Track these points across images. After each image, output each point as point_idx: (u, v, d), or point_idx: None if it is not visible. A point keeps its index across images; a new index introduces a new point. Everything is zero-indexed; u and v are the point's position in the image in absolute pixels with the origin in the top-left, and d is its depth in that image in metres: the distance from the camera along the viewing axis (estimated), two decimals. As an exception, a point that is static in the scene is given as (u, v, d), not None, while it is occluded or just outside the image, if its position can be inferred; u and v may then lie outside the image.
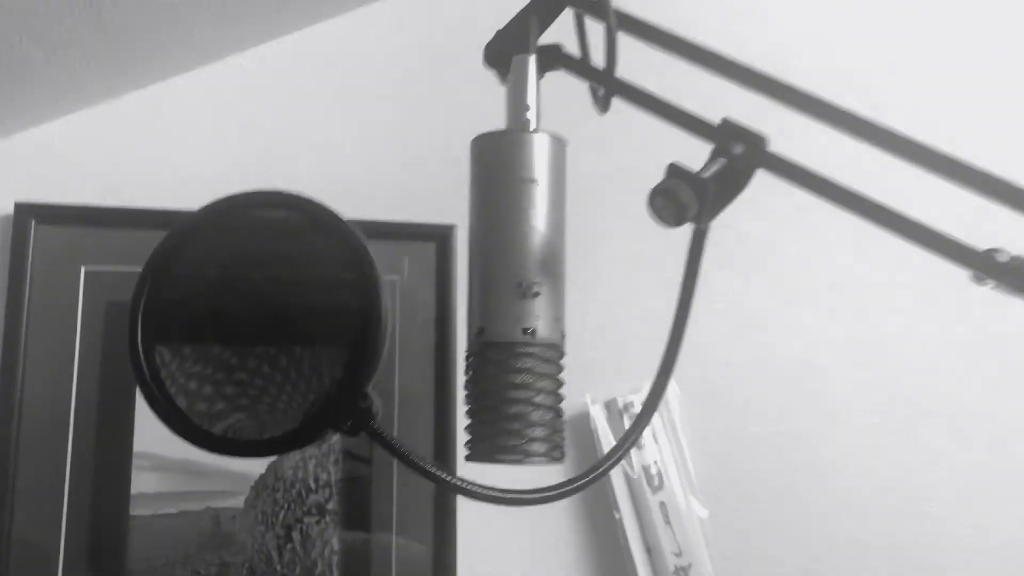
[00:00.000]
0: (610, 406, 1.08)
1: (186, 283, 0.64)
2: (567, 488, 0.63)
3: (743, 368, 1.17)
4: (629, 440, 0.67)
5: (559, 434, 0.64)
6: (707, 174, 0.59)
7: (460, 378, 1.10)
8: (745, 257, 1.19)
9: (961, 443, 1.23)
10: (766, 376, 1.19)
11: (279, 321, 0.61)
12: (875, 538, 1.19)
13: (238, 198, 0.64)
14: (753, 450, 1.16)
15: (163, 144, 1.05)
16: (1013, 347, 1.26)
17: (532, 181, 0.64)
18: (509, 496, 0.60)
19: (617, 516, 1.03)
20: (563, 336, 0.65)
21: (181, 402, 0.61)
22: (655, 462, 1.07)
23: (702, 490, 1.09)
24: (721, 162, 0.61)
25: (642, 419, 0.68)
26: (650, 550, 1.04)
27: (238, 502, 0.93)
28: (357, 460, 1.02)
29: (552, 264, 0.65)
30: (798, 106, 0.63)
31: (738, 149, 0.61)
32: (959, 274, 0.53)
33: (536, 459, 0.62)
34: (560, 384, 0.65)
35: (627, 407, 1.07)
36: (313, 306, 0.61)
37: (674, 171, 0.58)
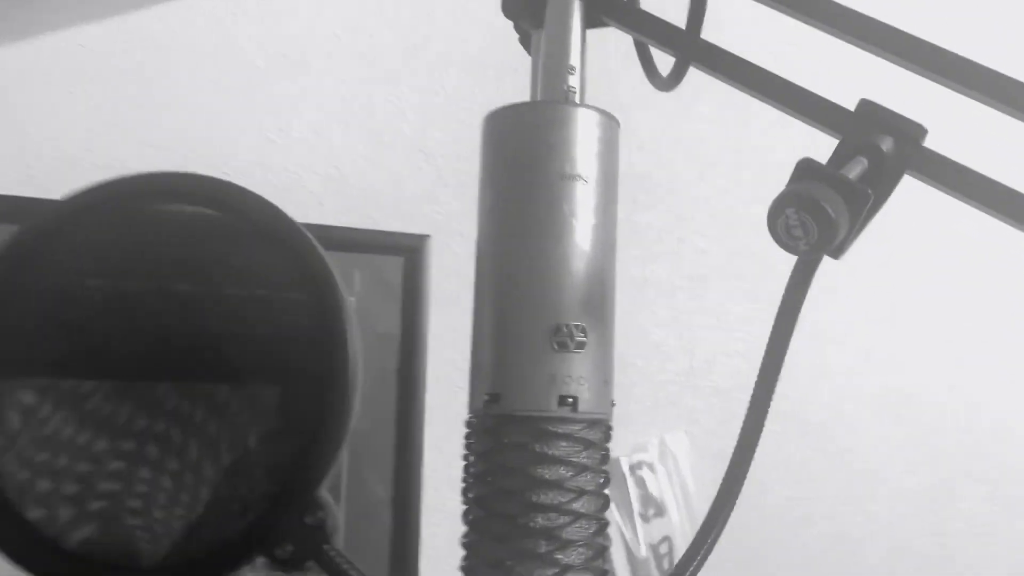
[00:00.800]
0: (612, 468, 0.88)
1: (45, 300, 0.41)
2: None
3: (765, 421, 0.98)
4: (715, 530, 0.48)
5: (603, 558, 0.43)
6: (854, 178, 0.39)
7: (433, 451, 0.90)
8: (769, 292, 1.00)
9: (1005, 509, 1.06)
10: (791, 431, 1.00)
11: (187, 377, 0.39)
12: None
13: (131, 183, 0.42)
14: (775, 520, 0.97)
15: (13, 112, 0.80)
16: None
17: (577, 179, 0.43)
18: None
19: (617, 609, 0.83)
20: (612, 408, 0.45)
21: (12, 492, 0.39)
22: (664, 539, 0.87)
23: (718, 573, 0.90)
24: (862, 163, 0.41)
25: (729, 493, 0.48)
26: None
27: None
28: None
29: (601, 302, 0.44)
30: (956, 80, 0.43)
31: (886, 144, 0.41)
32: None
33: (573, 598, 0.41)
34: (607, 482, 0.44)
35: (634, 468, 0.87)
36: (242, 350, 0.39)
37: (812, 170, 0.38)
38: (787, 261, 1.08)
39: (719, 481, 0.95)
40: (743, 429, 0.49)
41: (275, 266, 0.40)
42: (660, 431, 0.90)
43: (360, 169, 0.86)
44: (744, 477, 0.50)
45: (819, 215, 0.36)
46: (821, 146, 1.13)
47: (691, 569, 0.47)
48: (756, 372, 0.99)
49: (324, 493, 0.37)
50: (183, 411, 0.38)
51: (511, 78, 0.95)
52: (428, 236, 0.85)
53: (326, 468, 0.37)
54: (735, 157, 1.01)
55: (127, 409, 0.38)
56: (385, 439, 0.80)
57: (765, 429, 1.10)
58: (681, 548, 0.88)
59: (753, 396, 0.48)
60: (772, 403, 1.06)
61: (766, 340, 1.01)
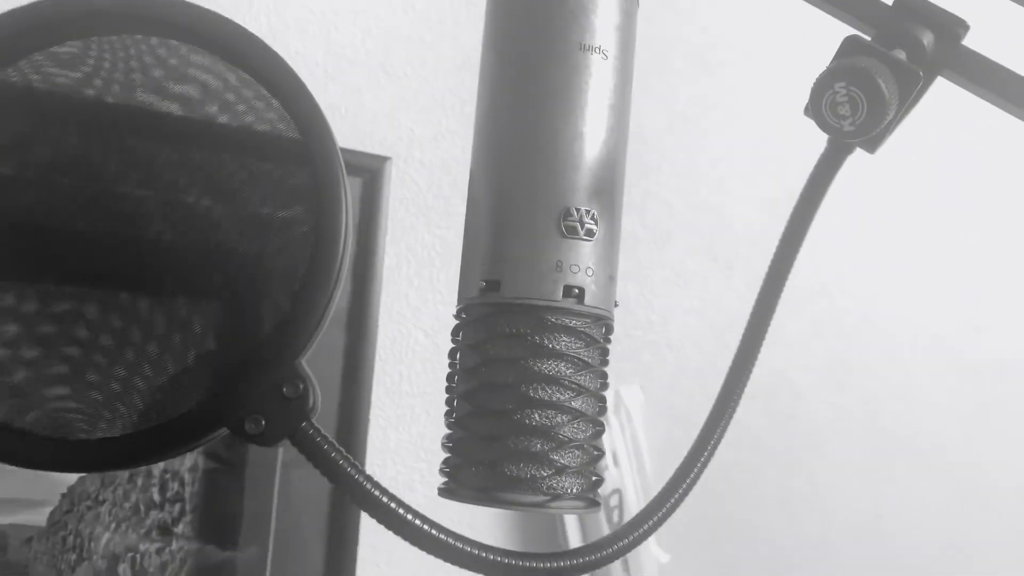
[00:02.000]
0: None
1: None
2: (601, 554, 0.39)
3: (716, 378, 0.97)
4: (696, 468, 0.45)
5: (595, 464, 0.40)
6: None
7: (380, 388, 0.84)
8: (727, 249, 0.99)
9: (936, 479, 1.08)
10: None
11: (143, 224, 0.33)
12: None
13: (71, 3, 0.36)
14: (721, 480, 0.95)
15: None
16: (991, 377, 1.12)
17: (595, 51, 0.39)
18: (526, 566, 0.35)
19: (560, 532, 0.80)
20: (616, 308, 0.41)
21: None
22: (615, 492, 0.84)
23: (663, 529, 0.88)
24: (900, 55, 0.38)
25: (711, 432, 0.45)
26: (598, 602, 0.82)
27: (39, 517, 0.63)
28: (217, 461, 0.73)
29: (612, 190, 0.40)
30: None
31: (927, 38, 0.39)
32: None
33: (567, 503, 0.38)
34: (606, 385, 0.40)
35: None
36: (213, 204, 0.33)
37: (861, 46, 0.35)
38: (745, 223, 1.06)
39: (669, 437, 0.93)
40: (742, 339, 0.46)
41: (252, 107, 0.35)
42: (615, 384, 0.87)
43: (318, 81, 0.80)
44: (735, 406, 0.47)
45: (871, 90, 0.33)
46: (782, 108, 1.11)
47: (649, 524, 0.43)
48: (710, 330, 0.98)
49: (304, 364, 0.33)
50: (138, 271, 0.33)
51: (482, 0, 0.91)
52: (389, 158, 0.80)
53: (310, 332, 0.32)
54: (704, 112, 0.99)
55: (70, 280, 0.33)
56: (332, 371, 0.75)
57: (715, 390, 1.09)
58: (631, 501, 0.85)
59: (762, 289, 0.45)
60: (724, 364, 1.04)
61: (721, 298, 1.00)
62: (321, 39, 0.80)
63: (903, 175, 1.04)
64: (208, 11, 0.34)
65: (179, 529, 0.67)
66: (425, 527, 0.33)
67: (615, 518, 0.84)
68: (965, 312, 1.12)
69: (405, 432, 0.79)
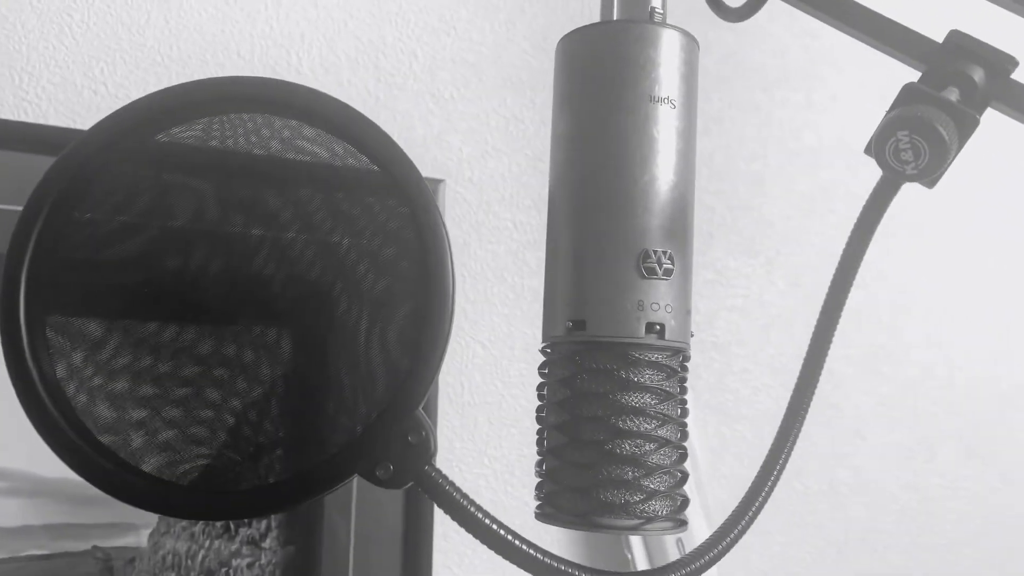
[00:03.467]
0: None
1: (100, 231, 0.39)
2: (692, 567, 0.42)
3: (761, 375, 1.00)
4: (775, 471, 0.48)
5: (682, 487, 0.43)
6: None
7: (444, 399, 0.87)
8: (767, 245, 1.01)
9: (979, 462, 1.10)
10: (786, 385, 1.01)
11: (266, 297, 0.37)
12: (896, 574, 1.05)
13: (199, 89, 0.39)
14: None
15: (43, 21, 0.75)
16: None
17: (664, 102, 0.42)
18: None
19: (629, 557, 0.84)
20: (691, 338, 0.44)
21: (88, 417, 0.36)
22: (670, 488, 0.88)
23: (718, 522, 0.91)
24: (954, 93, 0.41)
25: (785, 440, 0.48)
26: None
27: (138, 539, 0.67)
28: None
29: (684, 230, 0.43)
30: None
31: (977, 75, 0.41)
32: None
33: (659, 524, 0.41)
34: (687, 411, 0.44)
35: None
36: (330, 271, 0.37)
37: (919, 94, 0.38)
38: (783, 218, 1.09)
39: (719, 434, 0.97)
40: (803, 368, 0.49)
41: (363, 182, 0.38)
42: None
43: (370, 109, 0.83)
44: (801, 424, 0.50)
45: (933, 138, 0.36)
46: (816, 104, 1.13)
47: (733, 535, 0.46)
48: (753, 328, 1.00)
49: (422, 413, 0.36)
50: (263, 343, 0.36)
51: (521, 20, 0.93)
52: (442, 181, 0.83)
53: (428, 384, 0.36)
54: (738, 114, 1.01)
55: (200, 341, 0.36)
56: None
57: (768, 385, 1.11)
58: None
59: (819, 319, 0.48)
60: (775, 363, 1.07)
61: (763, 295, 1.03)
62: (371, 67, 0.83)
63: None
64: (324, 95, 0.37)
65: (267, 543, 0.71)
66: (542, 557, 0.36)
67: (672, 515, 0.88)
68: (1001, 294, 1.14)
69: (469, 440, 0.83)
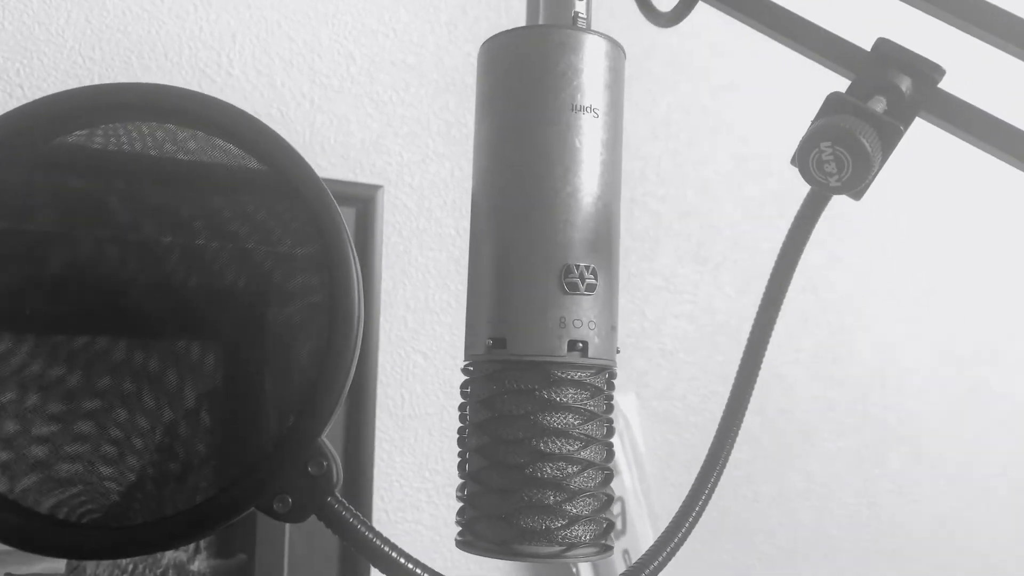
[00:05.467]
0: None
1: None
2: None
3: (709, 382, 0.99)
4: (704, 493, 0.46)
5: (608, 510, 0.41)
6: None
7: (383, 412, 0.85)
8: (715, 251, 1.00)
9: (927, 465, 1.11)
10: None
11: (167, 315, 0.35)
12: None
13: (90, 95, 0.37)
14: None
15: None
16: (976, 363, 1.15)
17: (587, 111, 0.41)
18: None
19: (574, 571, 0.82)
20: (617, 354, 0.42)
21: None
22: (617, 500, 0.86)
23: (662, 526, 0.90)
24: (881, 102, 0.39)
25: (716, 457, 0.47)
26: (604, 607, 0.84)
27: (55, 565, 0.64)
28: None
29: (609, 244, 0.42)
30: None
31: (905, 84, 0.40)
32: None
33: (582, 551, 0.39)
34: (612, 431, 0.42)
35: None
36: (230, 295, 0.35)
37: (843, 104, 0.37)
38: (731, 224, 1.08)
39: (667, 441, 0.95)
40: (738, 373, 0.48)
41: (272, 208, 0.36)
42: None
43: (305, 113, 0.81)
44: (737, 429, 0.48)
45: (856, 149, 0.35)
46: (764, 108, 1.12)
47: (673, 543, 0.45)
48: (702, 334, 0.99)
49: (326, 441, 0.34)
50: (150, 366, 0.34)
51: (463, 22, 0.92)
52: (381, 187, 0.81)
53: (330, 412, 0.34)
54: (685, 117, 1.00)
55: (90, 366, 0.34)
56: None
57: (717, 393, 1.11)
58: (633, 508, 0.87)
59: (750, 336, 0.47)
60: (725, 369, 1.06)
61: (712, 302, 1.02)
62: (306, 70, 0.81)
63: (882, 174, 1.05)
64: (219, 101, 0.35)
65: (195, 566, 0.68)
66: (451, 593, 0.34)
67: (618, 525, 0.86)
68: (950, 301, 1.15)
69: (410, 454, 0.81)
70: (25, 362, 0.33)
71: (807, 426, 1.06)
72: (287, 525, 0.75)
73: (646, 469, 0.90)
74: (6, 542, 0.32)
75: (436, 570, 0.35)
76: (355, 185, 0.78)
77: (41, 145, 0.35)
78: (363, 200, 0.79)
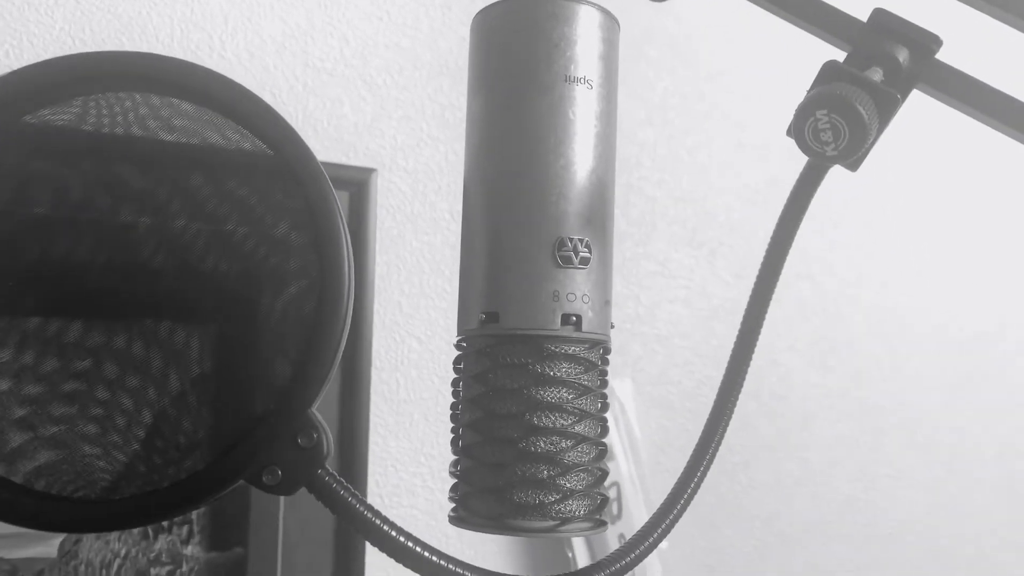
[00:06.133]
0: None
1: None
2: (614, 568, 0.40)
3: (704, 367, 0.98)
4: (696, 478, 0.46)
5: (601, 485, 0.41)
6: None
7: (378, 397, 0.85)
8: (710, 236, 1.00)
9: (923, 451, 1.11)
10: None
11: (156, 290, 0.34)
12: (842, 564, 1.05)
13: (82, 62, 0.36)
14: (714, 465, 0.97)
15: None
16: (972, 349, 1.15)
17: (580, 82, 0.40)
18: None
19: (570, 555, 0.82)
20: (612, 329, 0.42)
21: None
22: (613, 484, 0.86)
23: (661, 516, 0.89)
24: (878, 73, 0.39)
25: (710, 438, 0.46)
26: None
27: (48, 549, 0.63)
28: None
29: (603, 217, 0.41)
30: None
31: (902, 55, 0.40)
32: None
33: (575, 525, 0.39)
34: (607, 406, 0.42)
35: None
36: (208, 260, 0.34)
37: (840, 72, 0.36)
38: (727, 209, 1.08)
39: (662, 427, 0.95)
40: (735, 347, 0.47)
41: (266, 188, 0.35)
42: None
43: (298, 96, 0.80)
44: (732, 409, 0.48)
45: (852, 117, 0.35)
46: (761, 93, 1.12)
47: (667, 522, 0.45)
48: (697, 319, 0.99)
49: (316, 413, 0.34)
50: (139, 342, 0.33)
51: (458, 4, 0.91)
52: (374, 170, 0.80)
53: (321, 382, 0.33)
54: (682, 103, 1.00)
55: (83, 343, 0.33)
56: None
57: (712, 377, 1.11)
58: (629, 493, 0.87)
59: (747, 309, 0.46)
60: (720, 354, 1.06)
61: (707, 287, 1.01)
62: (299, 53, 0.80)
63: (879, 160, 1.05)
64: (215, 73, 0.34)
65: (189, 551, 0.68)
66: (445, 563, 0.34)
67: (614, 510, 0.86)
68: (946, 288, 1.14)
69: (405, 439, 0.81)
70: (15, 346, 0.33)
71: (804, 412, 1.06)
72: (281, 515, 0.75)
73: (641, 454, 0.90)
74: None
75: (425, 543, 0.34)
76: (349, 168, 0.78)
77: (24, 120, 0.35)
78: (357, 184, 0.78)
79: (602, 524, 0.40)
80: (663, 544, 0.88)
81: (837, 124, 0.35)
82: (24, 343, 0.33)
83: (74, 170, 0.34)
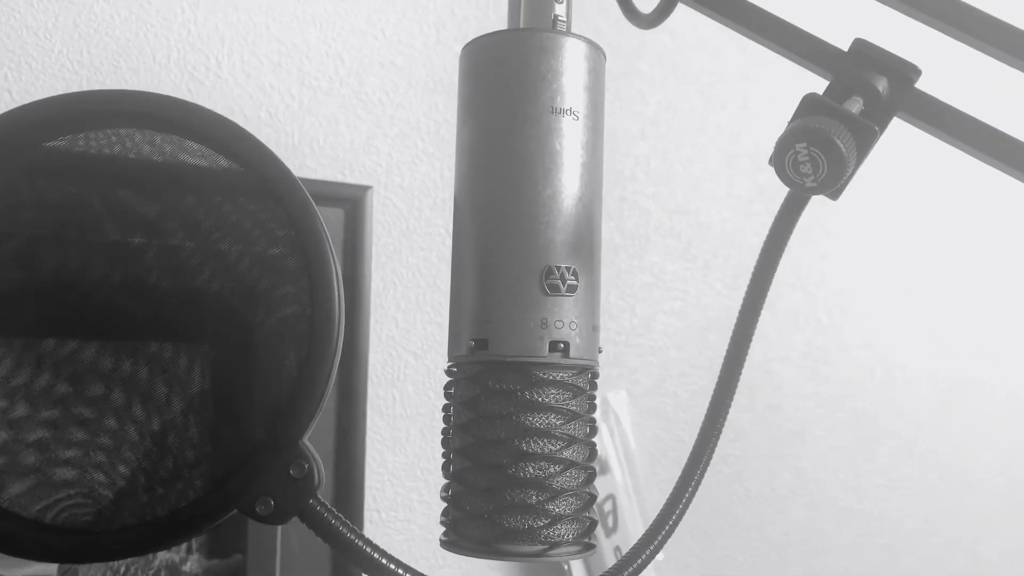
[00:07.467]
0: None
1: None
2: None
3: (699, 379, 0.99)
4: (690, 489, 0.47)
5: (590, 509, 0.42)
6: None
7: (374, 412, 0.86)
8: (704, 248, 1.01)
9: (916, 461, 1.11)
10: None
11: (149, 320, 0.35)
12: (837, 574, 1.05)
13: (77, 101, 0.37)
14: (708, 475, 0.98)
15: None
16: (966, 359, 1.15)
17: (567, 114, 0.41)
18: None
19: (566, 567, 0.83)
20: (600, 354, 0.43)
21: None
22: (609, 497, 0.87)
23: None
24: (858, 103, 0.40)
25: (703, 450, 0.47)
26: (597, 604, 0.84)
27: (48, 568, 0.64)
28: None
29: (590, 245, 0.42)
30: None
31: (881, 84, 0.41)
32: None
33: (564, 549, 0.40)
34: (595, 431, 0.42)
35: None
36: (210, 301, 0.35)
37: (819, 105, 0.37)
38: (721, 221, 1.08)
39: (657, 438, 0.96)
40: (723, 365, 0.48)
41: (251, 211, 0.36)
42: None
43: (294, 114, 0.81)
44: (724, 420, 0.49)
45: (831, 150, 0.35)
46: (753, 106, 1.13)
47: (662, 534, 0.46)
48: (691, 331, 1.00)
49: (307, 444, 0.34)
50: (131, 371, 0.34)
51: (452, 22, 0.92)
52: (370, 187, 0.81)
53: (311, 414, 0.34)
54: (674, 116, 1.00)
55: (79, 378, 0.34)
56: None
57: (707, 388, 1.12)
58: (624, 505, 0.88)
59: (734, 332, 0.47)
60: (715, 365, 1.07)
61: (701, 298, 1.02)
62: (295, 72, 0.81)
63: (872, 172, 1.06)
64: (200, 108, 0.35)
65: (187, 568, 0.69)
66: (432, 592, 0.35)
67: (609, 523, 0.87)
68: (938, 296, 1.15)
69: (401, 454, 0.81)
70: (10, 369, 0.34)
71: (798, 422, 1.06)
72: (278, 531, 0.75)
73: (637, 466, 0.91)
74: (-7, 547, 0.32)
75: (419, 571, 0.35)
76: (344, 186, 0.79)
77: (25, 151, 0.35)
78: (352, 201, 0.79)
79: (590, 547, 0.41)
80: (659, 556, 0.90)
81: (816, 157, 0.36)
82: (18, 366, 0.34)
83: (79, 194, 0.35)
